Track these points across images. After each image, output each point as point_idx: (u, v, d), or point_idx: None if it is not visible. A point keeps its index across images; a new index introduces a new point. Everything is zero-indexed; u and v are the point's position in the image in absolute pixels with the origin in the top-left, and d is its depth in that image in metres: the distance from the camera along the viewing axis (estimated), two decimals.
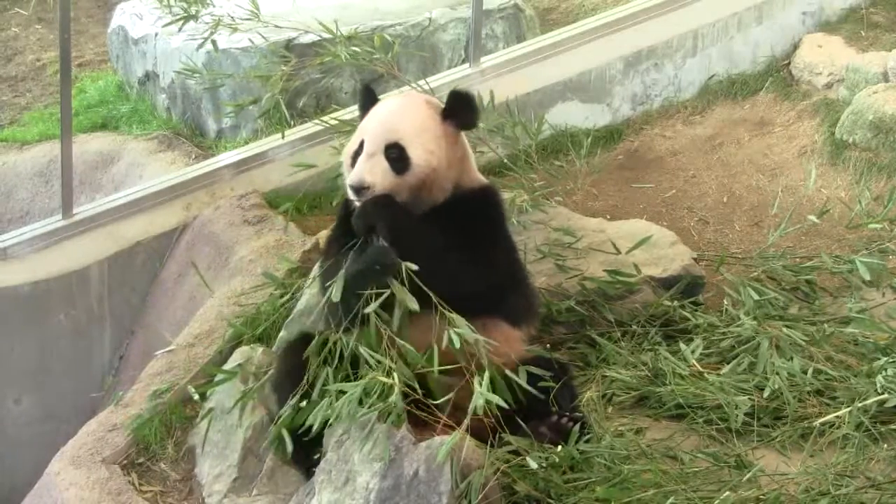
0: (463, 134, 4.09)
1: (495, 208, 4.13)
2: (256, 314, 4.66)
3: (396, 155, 3.93)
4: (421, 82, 5.22)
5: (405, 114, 4.01)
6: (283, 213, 5.33)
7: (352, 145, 4.05)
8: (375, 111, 4.07)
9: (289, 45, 5.95)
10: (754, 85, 6.24)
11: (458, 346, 3.72)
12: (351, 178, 3.92)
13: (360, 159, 3.94)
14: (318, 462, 3.74)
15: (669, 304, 4.63)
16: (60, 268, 5.52)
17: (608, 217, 5.24)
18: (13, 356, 5.55)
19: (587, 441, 3.78)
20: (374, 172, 3.90)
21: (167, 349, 4.72)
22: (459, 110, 4.05)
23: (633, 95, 6.21)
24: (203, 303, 4.99)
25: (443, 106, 4.09)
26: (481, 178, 4.17)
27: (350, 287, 3.80)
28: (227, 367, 4.33)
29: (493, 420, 3.73)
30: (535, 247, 4.73)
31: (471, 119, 4.08)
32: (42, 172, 6.63)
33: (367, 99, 4.16)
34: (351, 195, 3.93)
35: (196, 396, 4.37)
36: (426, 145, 3.95)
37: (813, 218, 4.92)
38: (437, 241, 3.87)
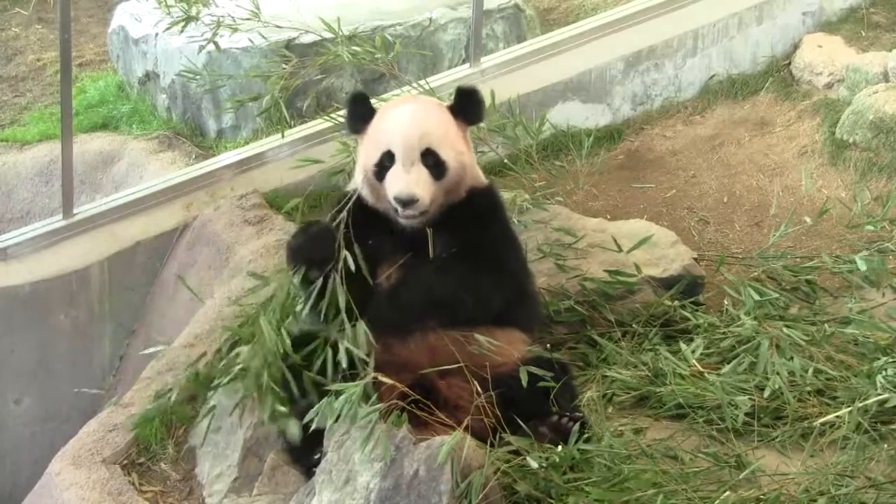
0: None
1: (499, 208, 4.16)
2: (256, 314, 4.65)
3: (433, 161, 3.92)
4: (421, 82, 5.23)
5: (429, 118, 4.00)
6: (290, 211, 5.30)
7: (370, 159, 3.99)
8: (393, 119, 4.00)
9: (289, 45, 5.95)
10: (754, 85, 6.24)
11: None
12: (398, 191, 3.87)
13: (398, 171, 3.91)
14: (318, 462, 3.74)
15: (670, 304, 4.63)
16: (60, 268, 5.52)
17: (608, 217, 5.25)
18: (13, 356, 5.55)
19: (587, 441, 3.78)
20: (420, 184, 3.89)
21: (156, 349, 4.69)
22: (467, 106, 4.07)
23: (633, 95, 6.21)
24: (203, 303, 4.99)
25: (446, 104, 4.10)
26: (482, 176, 4.19)
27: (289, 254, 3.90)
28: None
29: (493, 420, 3.74)
30: (536, 246, 4.73)
31: (478, 114, 4.12)
32: (42, 172, 6.63)
33: (363, 108, 4.10)
34: (396, 205, 3.91)
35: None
36: (454, 146, 3.97)
37: (809, 220, 4.92)
38: (457, 269, 3.90)
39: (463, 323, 3.88)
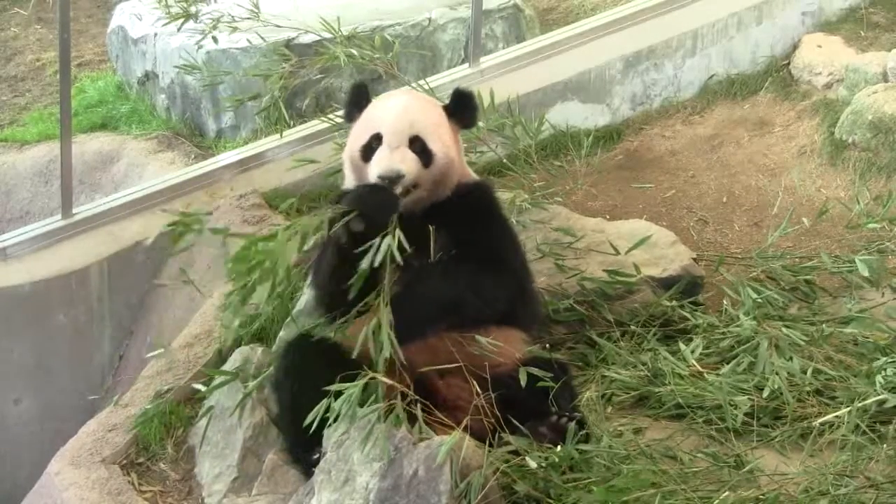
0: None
1: (497, 205, 4.17)
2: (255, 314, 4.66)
3: (420, 148, 3.94)
4: (421, 82, 5.22)
5: (421, 109, 4.04)
6: (285, 211, 5.30)
7: (357, 141, 4.02)
8: (385, 106, 4.04)
9: (289, 45, 5.95)
10: (754, 85, 6.24)
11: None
12: (381, 167, 3.88)
13: (383, 151, 3.92)
14: (317, 462, 3.74)
15: (669, 304, 4.63)
16: (60, 268, 5.52)
17: (608, 217, 5.24)
18: (13, 356, 5.55)
19: (586, 441, 3.78)
20: (405, 161, 3.90)
21: (155, 353, 4.68)
22: (463, 108, 4.10)
23: (632, 95, 6.21)
24: (203, 303, 4.99)
25: (443, 104, 4.12)
26: (473, 174, 4.22)
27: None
28: (226, 367, 4.33)
29: (492, 420, 3.74)
30: (535, 246, 4.73)
31: (473, 118, 4.16)
32: (42, 172, 6.64)
33: (361, 97, 4.13)
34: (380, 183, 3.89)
35: (203, 388, 4.33)
36: (443, 139, 3.99)
37: (806, 221, 4.93)
38: (461, 272, 3.87)
39: (469, 325, 3.88)
